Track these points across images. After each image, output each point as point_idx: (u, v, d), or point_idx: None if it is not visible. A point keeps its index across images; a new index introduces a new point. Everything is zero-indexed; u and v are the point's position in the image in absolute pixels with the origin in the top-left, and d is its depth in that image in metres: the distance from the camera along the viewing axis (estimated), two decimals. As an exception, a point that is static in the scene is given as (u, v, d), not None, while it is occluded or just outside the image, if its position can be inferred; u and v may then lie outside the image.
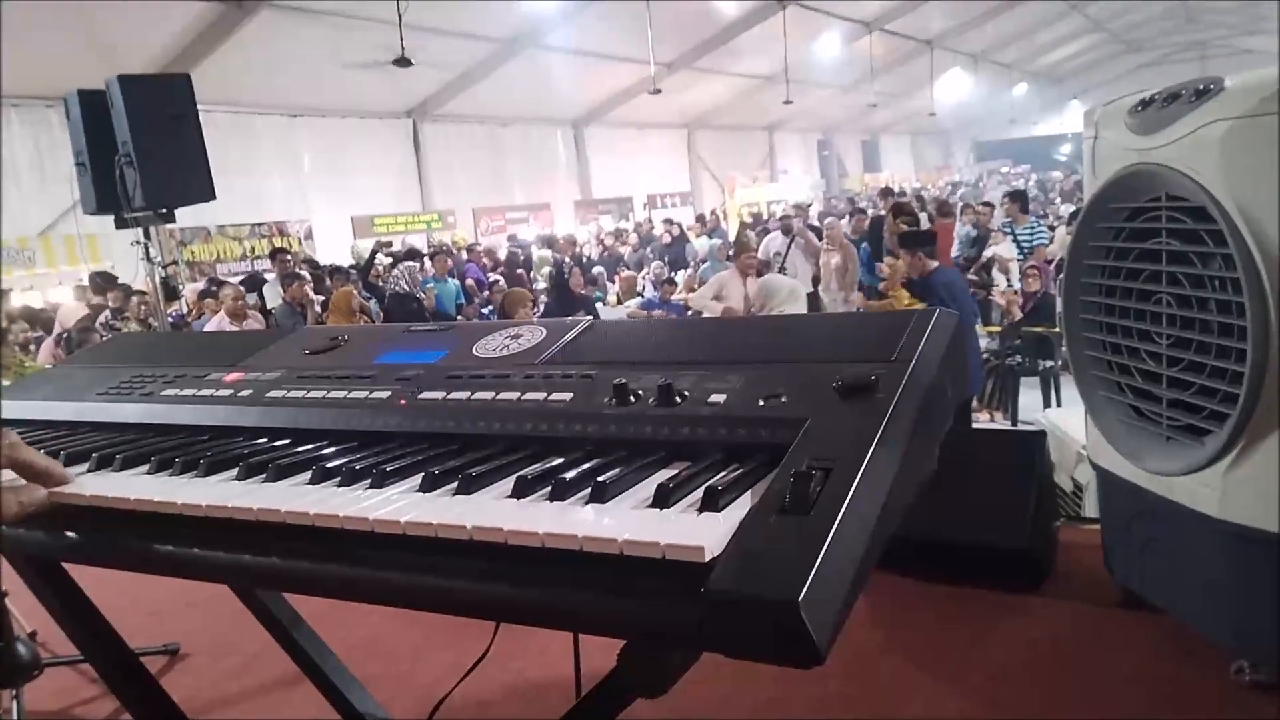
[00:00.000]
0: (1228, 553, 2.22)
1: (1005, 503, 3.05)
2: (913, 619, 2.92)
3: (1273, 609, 2.13)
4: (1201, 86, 2.23)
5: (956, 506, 2.85)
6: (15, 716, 2.69)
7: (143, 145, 4.54)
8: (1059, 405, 6.68)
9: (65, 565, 1.65)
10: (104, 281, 9.40)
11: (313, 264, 11.72)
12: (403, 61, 12.61)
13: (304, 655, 1.98)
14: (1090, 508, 3.60)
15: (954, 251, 11.59)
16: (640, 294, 11.98)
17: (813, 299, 9.85)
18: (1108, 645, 2.68)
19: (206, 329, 8.12)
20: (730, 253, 9.49)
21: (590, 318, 1.43)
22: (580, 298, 9.63)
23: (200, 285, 11.29)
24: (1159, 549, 2.54)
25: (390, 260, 11.61)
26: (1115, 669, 2.56)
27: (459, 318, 10.41)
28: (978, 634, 2.83)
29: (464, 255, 13.92)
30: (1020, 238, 9.33)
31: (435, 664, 2.91)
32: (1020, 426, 6.46)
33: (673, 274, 12.50)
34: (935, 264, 5.63)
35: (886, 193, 12.85)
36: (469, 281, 12.17)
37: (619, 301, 12.07)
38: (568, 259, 13.13)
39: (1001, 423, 6.92)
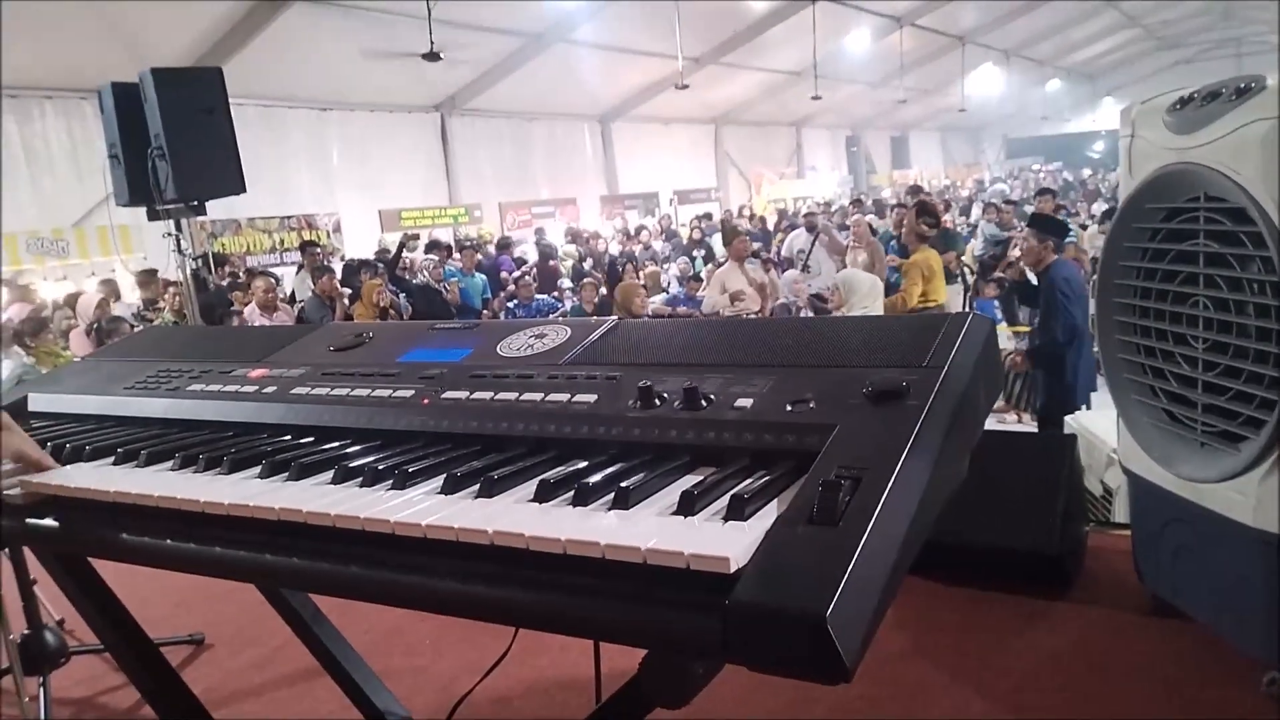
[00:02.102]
0: (1261, 562, 2.17)
1: (1033, 507, 3.01)
2: (938, 622, 2.89)
3: (1309, 621, 2.08)
4: (1242, 85, 2.18)
5: (984, 509, 2.81)
6: (42, 703, 2.72)
7: (174, 138, 4.57)
8: (1089, 407, 6.59)
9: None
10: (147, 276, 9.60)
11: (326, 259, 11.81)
12: (432, 56, 12.64)
13: (324, 651, 1.98)
14: (1120, 512, 3.55)
15: (978, 250, 11.48)
16: (665, 289, 11.95)
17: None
18: (1136, 653, 2.64)
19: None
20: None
21: (615, 318, 1.41)
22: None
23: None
24: (1190, 556, 2.49)
25: (419, 253, 11.68)
26: (1143, 677, 2.52)
27: (485, 312, 10.44)
28: (1004, 639, 2.79)
29: (493, 250, 13.93)
30: None
31: (454, 659, 2.91)
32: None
33: (699, 270, 12.47)
34: (1055, 257, 5.31)
35: (915, 190, 12.74)
36: (504, 275, 12.17)
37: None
38: (620, 256, 13.09)
39: (1029, 425, 6.84)
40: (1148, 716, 2.36)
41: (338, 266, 11.20)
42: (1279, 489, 2.10)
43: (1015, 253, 8.51)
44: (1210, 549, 2.39)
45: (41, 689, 2.74)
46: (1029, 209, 11.50)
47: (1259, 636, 2.28)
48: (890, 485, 0.83)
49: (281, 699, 2.84)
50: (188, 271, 5.70)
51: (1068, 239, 9.10)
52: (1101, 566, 3.12)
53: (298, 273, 11.12)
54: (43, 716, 2.68)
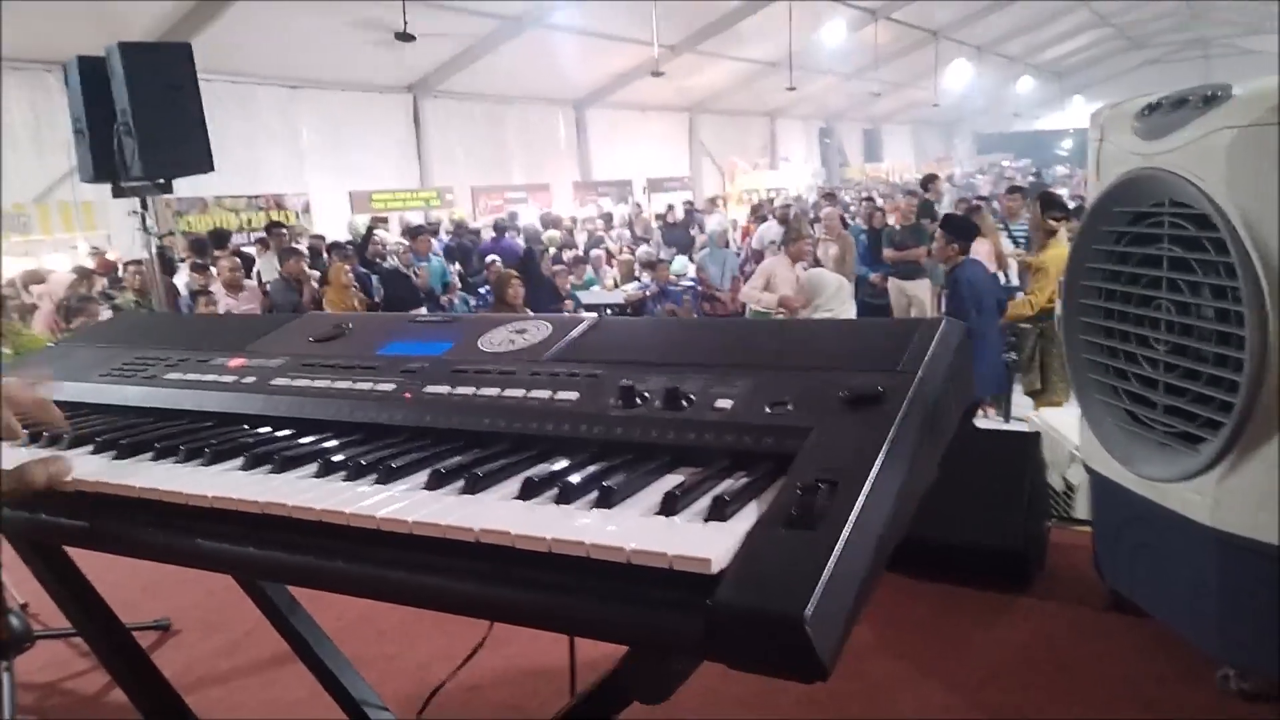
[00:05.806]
0: (1218, 561, 2.24)
1: (997, 502, 3.07)
2: (903, 617, 2.94)
3: (1261, 618, 2.15)
4: (1209, 93, 2.23)
5: (948, 505, 2.85)
6: (6, 688, 2.69)
7: (141, 114, 4.50)
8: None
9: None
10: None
11: (315, 240, 11.69)
12: (405, 36, 12.52)
13: (298, 637, 1.98)
14: (1081, 508, 3.62)
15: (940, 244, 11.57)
16: (638, 278, 11.95)
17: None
18: (1095, 648, 2.71)
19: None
20: (779, 240, 9.36)
21: (594, 315, 1.42)
22: (549, 284, 9.54)
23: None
24: (1149, 554, 2.55)
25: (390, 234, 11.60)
26: (1102, 672, 2.58)
27: (444, 297, 10.37)
28: (967, 633, 2.85)
29: (457, 235, 13.79)
30: (1015, 233, 9.29)
31: (426, 646, 2.92)
32: (1013, 425, 6.47)
33: (666, 257, 12.48)
34: (964, 257, 5.56)
35: (931, 179, 12.78)
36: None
37: (615, 285, 12.05)
38: (536, 245, 12.94)
39: (995, 421, 6.93)
40: (1105, 711, 2.42)
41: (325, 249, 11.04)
42: (1236, 489, 2.16)
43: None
44: (1168, 547, 2.45)
45: (6, 674, 2.71)
46: (997, 205, 11.62)
47: (1215, 634, 2.34)
48: (866, 489, 0.85)
49: (250, 685, 2.84)
50: (153, 250, 5.63)
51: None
52: (1063, 562, 3.18)
53: (260, 254, 10.96)
54: (6, 701, 2.66)
